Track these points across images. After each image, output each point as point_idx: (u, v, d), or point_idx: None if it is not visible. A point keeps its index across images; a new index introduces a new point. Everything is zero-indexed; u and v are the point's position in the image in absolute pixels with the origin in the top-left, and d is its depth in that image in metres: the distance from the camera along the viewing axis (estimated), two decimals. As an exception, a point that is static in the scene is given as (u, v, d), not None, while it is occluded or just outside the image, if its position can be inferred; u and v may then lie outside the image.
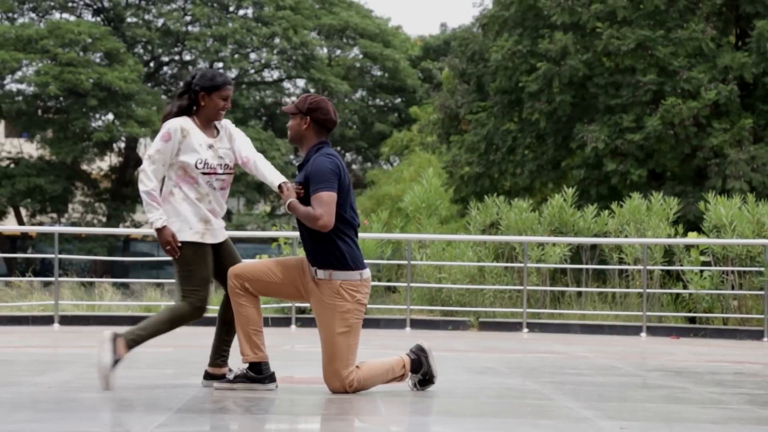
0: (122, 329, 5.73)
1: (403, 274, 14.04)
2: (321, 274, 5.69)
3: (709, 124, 18.47)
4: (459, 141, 21.28)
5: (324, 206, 5.58)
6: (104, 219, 39.53)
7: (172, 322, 5.79)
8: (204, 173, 5.81)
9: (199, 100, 5.87)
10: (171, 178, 5.83)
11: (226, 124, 6.02)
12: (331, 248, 5.68)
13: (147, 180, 5.74)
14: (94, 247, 36.72)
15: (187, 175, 5.80)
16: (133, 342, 5.69)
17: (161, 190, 5.85)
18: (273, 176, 5.79)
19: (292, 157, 41.85)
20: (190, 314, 5.77)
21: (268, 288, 5.78)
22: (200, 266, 5.78)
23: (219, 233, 5.89)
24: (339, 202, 5.68)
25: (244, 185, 36.80)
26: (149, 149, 5.82)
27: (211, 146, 5.85)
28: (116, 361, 5.62)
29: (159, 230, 5.72)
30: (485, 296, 13.46)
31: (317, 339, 5.74)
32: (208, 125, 5.92)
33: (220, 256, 5.91)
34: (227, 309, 5.85)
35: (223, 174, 5.89)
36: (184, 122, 5.84)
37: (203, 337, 9.42)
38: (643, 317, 12.36)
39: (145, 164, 5.79)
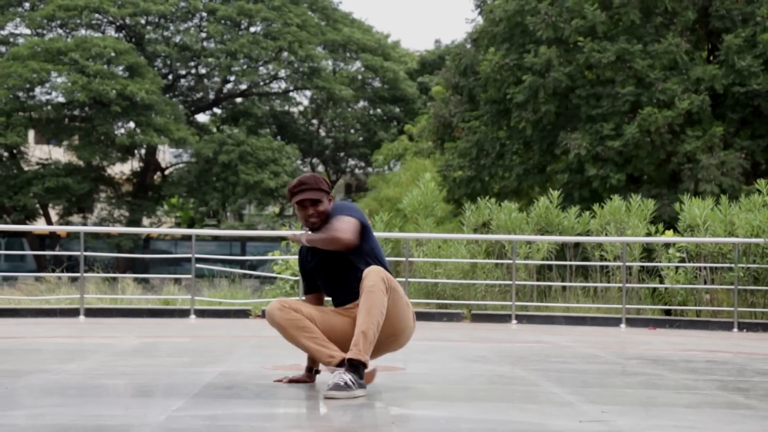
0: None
1: (402, 269, 14.03)
2: None
3: (683, 132, 18.46)
4: (452, 147, 21.28)
5: (344, 224, 4.91)
6: (127, 214, 39.74)
7: None
8: None
9: None
10: None
11: None
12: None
13: None
14: (122, 240, 37.11)
15: None
16: None
17: None
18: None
19: (299, 162, 41.77)
20: None
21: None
22: None
23: None
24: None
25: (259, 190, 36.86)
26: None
27: None
28: None
29: None
30: (477, 290, 13.45)
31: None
32: None
33: None
34: None
35: None
36: None
37: (217, 328, 9.36)
38: (623, 310, 12.35)
39: None
